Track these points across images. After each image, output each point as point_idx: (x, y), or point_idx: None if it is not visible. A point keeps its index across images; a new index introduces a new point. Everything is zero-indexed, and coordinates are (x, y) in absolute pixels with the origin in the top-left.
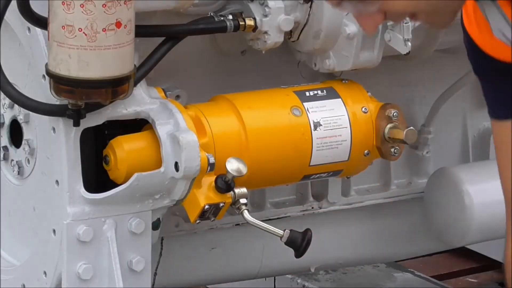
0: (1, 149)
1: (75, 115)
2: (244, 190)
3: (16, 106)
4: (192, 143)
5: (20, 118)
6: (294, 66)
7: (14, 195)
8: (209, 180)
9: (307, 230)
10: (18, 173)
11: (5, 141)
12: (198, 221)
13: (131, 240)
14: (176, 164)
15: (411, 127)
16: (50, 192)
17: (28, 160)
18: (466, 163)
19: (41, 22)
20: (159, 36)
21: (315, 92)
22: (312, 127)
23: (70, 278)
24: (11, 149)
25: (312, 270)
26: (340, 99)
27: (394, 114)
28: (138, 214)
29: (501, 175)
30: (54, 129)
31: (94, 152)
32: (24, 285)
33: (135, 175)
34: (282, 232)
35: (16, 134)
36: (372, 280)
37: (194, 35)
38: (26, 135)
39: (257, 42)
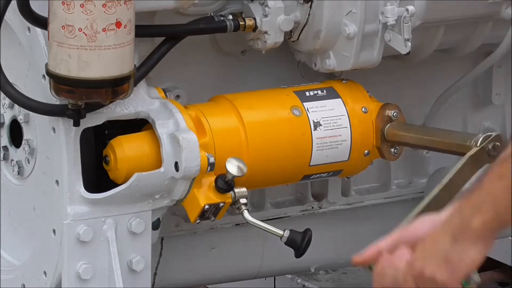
0: (1, 149)
1: (75, 115)
2: (244, 190)
3: (16, 106)
4: (192, 143)
5: (20, 118)
6: (294, 66)
7: (14, 195)
8: (209, 180)
9: (307, 230)
10: (18, 173)
11: (5, 141)
12: (198, 221)
13: (131, 240)
14: (176, 164)
15: None
16: (50, 192)
17: (28, 160)
18: None
19: (41, 22)
20: (159, 36)
21: (315, 92)
22: (312, 127)
23: (70, 278)
24: (11, 149)
25: (312, 270)
26: (340, 99)
27: (394, 114)
28: (138, 214)
29: None
30: (54, 129)
31: (94, 152)
32: (24, 285)
33: (135, 175)
34: (282, 232)
35: (16, 134)
36: (372, 280)
37: (194, 35)
38: (26, 135)
39: (257, 42)
